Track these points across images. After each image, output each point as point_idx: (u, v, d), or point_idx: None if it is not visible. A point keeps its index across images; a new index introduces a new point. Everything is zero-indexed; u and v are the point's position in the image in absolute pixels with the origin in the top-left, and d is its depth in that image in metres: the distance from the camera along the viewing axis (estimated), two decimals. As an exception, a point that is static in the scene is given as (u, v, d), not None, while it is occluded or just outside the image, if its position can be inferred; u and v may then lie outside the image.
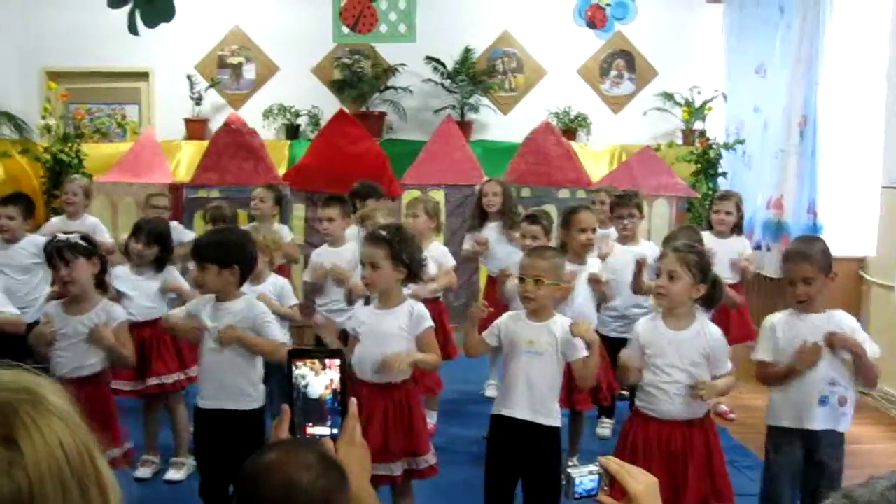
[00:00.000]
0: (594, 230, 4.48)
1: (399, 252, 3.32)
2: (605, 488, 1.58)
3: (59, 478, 0.90)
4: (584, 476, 1.58)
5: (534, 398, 3.32)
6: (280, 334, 3.58)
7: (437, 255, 4.86)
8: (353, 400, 1.65)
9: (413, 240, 3.48)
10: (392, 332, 3.35)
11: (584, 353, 3.30)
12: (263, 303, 4.14)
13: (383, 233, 3.38)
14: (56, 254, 3.51)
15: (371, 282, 3.39)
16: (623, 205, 4.95)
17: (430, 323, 3.41)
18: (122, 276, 4.40)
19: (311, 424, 1.63)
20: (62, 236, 3.58)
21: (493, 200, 5.52)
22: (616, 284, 4.68)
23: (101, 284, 3.71)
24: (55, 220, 5.84)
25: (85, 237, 3.64)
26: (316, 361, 1.62)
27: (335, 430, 1.62)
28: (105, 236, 5.62)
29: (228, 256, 3.38)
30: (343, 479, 1.45)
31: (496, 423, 3.42)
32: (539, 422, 3.31)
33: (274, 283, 4.35)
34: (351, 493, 1.49)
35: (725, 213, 5.26)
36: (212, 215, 5.23)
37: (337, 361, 1.62)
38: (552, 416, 3.35)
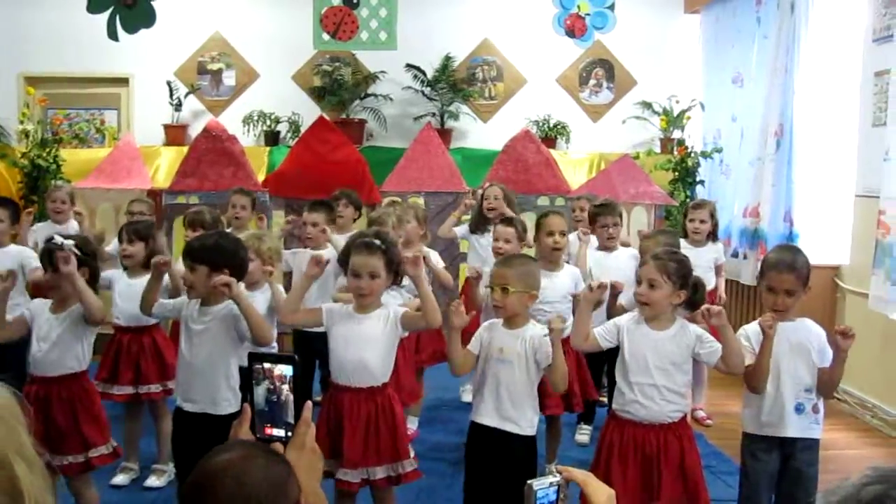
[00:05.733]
0: (563, 233, 4.48)
1: (392, 260, 3.31)
2: (564, 498, 1.57)
3: None
4: (545, 488, 1.56)
5: (501, 406, 3.30)
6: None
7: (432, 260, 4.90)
8: (308, 404, 1.68)
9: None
10: (374, 335, 3.32)
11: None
12: None
13: (378, 242, 3.33)
14: (47, 256, 3.51)
15: (370, 292, 3.32)
16: (607, 214, 5.02)
17: (405, 308, 3.46)
18: (116, 278, 4.33)
19: (269, 426, 1.69)
20: (58, 240, 3.53)
21: (493, 204, 5.51)
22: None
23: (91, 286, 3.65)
24: (41, 225, 5.75)
25: (79, 245, 3.59)
26: (271, 365, 1.67)
27: (289, 434, 1.67)
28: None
29: (220, 260, 3.35)
30: (290, 468, 1.49)
31: (473, 430, 3.41)
32: (507, 430, 3.29)
33: (265, 294, 4.33)
34: (301, 498, 1.50)
35: (700, 222, 5.42)
36: (191, 220, 5.13)
37: (290, 367, 1.66)
38: (522, 424, 3.31)
